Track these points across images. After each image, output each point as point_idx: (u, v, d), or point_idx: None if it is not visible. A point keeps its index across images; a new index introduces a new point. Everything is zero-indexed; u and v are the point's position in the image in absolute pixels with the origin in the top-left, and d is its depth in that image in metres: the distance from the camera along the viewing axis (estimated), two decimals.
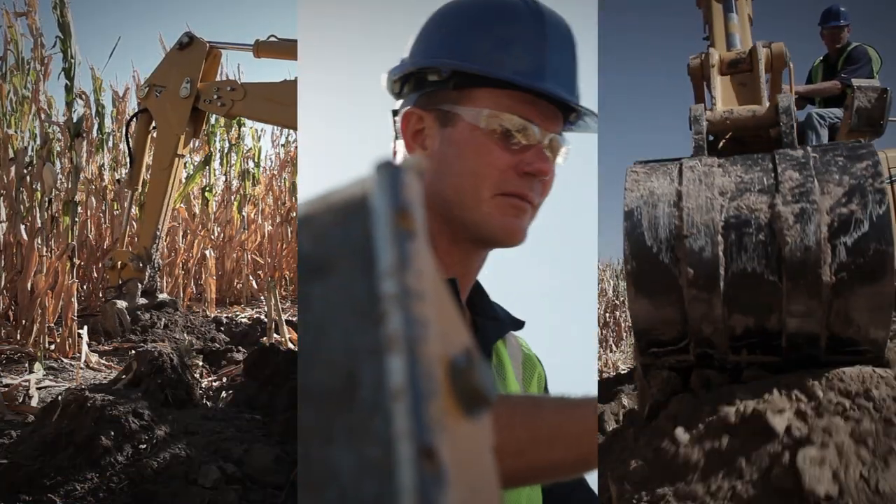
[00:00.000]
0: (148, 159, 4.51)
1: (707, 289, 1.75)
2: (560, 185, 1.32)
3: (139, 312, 4.30)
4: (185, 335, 4.27)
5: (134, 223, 4.80)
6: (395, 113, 1.16)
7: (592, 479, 1.26)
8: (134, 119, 4.45)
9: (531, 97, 1.07)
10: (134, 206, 4.75)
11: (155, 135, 4.39)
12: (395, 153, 1.17)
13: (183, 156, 4.35)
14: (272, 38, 3.96)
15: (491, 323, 1.12)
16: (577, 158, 1.34)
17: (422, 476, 0.27)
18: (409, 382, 0.29)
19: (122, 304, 4.21)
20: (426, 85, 1.10)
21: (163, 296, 4.60)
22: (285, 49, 3.95)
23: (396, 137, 1.15)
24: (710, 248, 1.75)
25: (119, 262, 4.36)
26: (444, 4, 1.15)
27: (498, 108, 1.06)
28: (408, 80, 1.14)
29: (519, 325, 1.18)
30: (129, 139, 4.44)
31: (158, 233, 4.32)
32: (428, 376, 0.29)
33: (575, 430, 0.88)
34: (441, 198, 1.07)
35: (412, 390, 0.29)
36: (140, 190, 4.60)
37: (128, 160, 4.56)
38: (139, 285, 4.33)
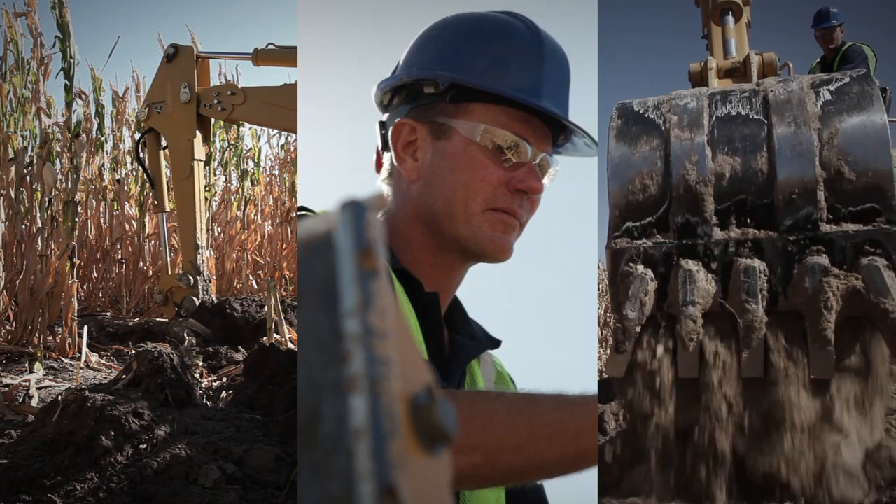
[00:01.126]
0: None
1: (691, 128, 1.68)
2: (561, 186, 1.32)
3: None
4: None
5: (168, 247, 4.64)
6: (382, 125, 1.16)
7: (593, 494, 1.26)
8: (142, 143, 4.40)
9: (525, 115, 1.08)
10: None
11: (167, 152, 4.36)
12: (378, 164, 1.17)
13: (201, 160, 4.31)
14: (270, 46, 3.97)
15: (468, 342, 1.12)
16: (576, 161, 1.34)
17: None
18: (370, 421, 0.29)
19: (187, 323, 4.08)
20: (420, 97, 1.10)
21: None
22: (284, 56, 3.96)
23: (383, 148, 1.15)
24: (696, 102, 1.73)
25: (167, 291, 4.26)
26: (441, 19, 1.15)
27: (494, 123, 1.06)
28: (398, 92, 1.13)
29: (495, 344, 1.18)
30: (143, 164, 4.41)
31: (199, 242, 4.25)
32: (389, 415, 0.30)
33: (574, 427, 0.88)
34: (430, 210, 1.07)
35: (374, 429, 0.29)
36: (169, 210, 4.55)
37: (149, 184, 4.51)
38: (195, 300, 4.20)
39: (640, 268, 1.66)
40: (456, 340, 1.11)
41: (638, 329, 1.63)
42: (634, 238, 1.70)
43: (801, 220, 1.56)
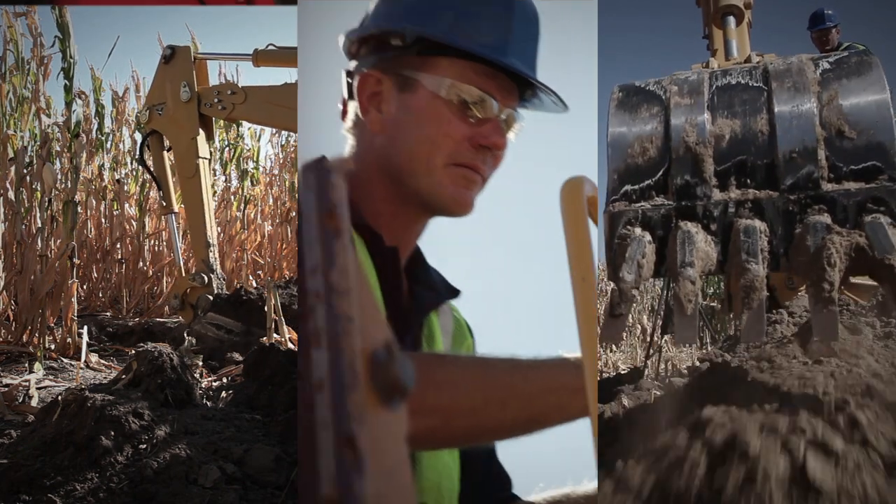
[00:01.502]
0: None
1: (691, 95, 1.70)
2: (560, 184, 1.32)
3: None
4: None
5: (179, 249, 4.62)
6: (349, 74, 1.15)
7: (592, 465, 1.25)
8: (145, 147, 4.39)
9: (492, 70, 1.06)
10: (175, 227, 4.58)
11: (172, 154, 4.35)
12: (344, 113, 1.16)
13: (206, 157, 4.29)
14: (270, 47, 3.97)
15: (427, 293, 1.12)
16: (577, 157, 1.34)
17: (341, 463, 0.28)
18: (331, 375, 0.30)
19: (207, 318, 4.05)
20: (387, 49, 1.08)
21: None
22: (284, 56, 3.96)
23: (349, 98, 1.14)
24: (696, 76, 1.76)
25: (182, 294, 4.22)
26: None
27: (460, 78, 1.05)
28: (366, 42, 1.12)
29: (455, 293, 1.18)
30: (146, 166, 4.39)
31: (209, 239, 4.22)
32: (350, 369, 0.30)
33: (527, 391, 0.90)
34: (393, 163, 1.07)
35: (334, 382, 0.30)
36: (178, 212, 4.53)
37: (155, 187, 4.48)
38: (209, 298, 4.15)
39: (638, 230, 1.61)
40: (415, 292, 1.10)
41: (635, 292, 1.58)
42: (633, 201, 1.66)
43: (802, 179, 1.53)
